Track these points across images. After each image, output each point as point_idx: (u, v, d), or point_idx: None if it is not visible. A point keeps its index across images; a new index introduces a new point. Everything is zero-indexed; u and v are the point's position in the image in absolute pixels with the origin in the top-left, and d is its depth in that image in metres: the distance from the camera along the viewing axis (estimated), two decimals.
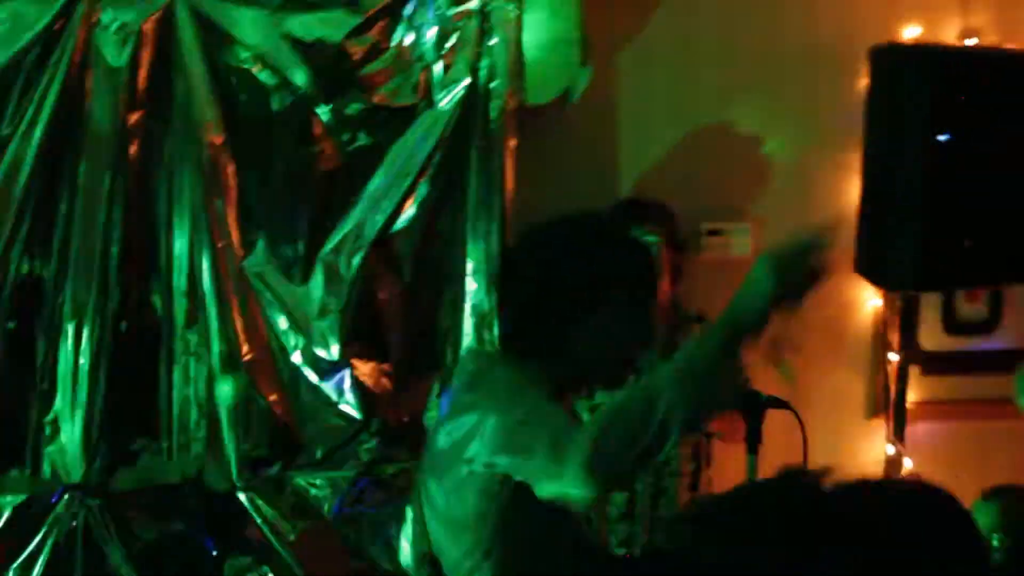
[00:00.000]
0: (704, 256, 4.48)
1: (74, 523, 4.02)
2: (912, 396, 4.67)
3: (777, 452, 2.81)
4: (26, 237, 4.00)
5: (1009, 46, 4.38)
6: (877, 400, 4.72)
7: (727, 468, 4.07)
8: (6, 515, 4.02)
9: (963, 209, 3.76)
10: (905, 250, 3.87)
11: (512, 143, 4.07)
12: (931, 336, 4.74)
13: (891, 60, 4.03)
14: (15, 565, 3.98)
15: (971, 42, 4.43)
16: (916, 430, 4.67)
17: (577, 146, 4.42)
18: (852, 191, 4.23)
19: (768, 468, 2.80)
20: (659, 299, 2.96)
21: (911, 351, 4.62)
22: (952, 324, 4.73)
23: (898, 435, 4.52)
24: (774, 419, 2.93)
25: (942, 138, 3.68)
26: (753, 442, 2.85)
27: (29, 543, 3.99)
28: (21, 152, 3.91)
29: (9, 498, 4.03)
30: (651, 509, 4.17)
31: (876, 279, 4.16)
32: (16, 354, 4.06)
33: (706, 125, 4.52)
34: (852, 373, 4.74)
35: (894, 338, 4.62)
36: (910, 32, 4.43)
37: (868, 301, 4.65)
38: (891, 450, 4.54)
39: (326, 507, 4.21)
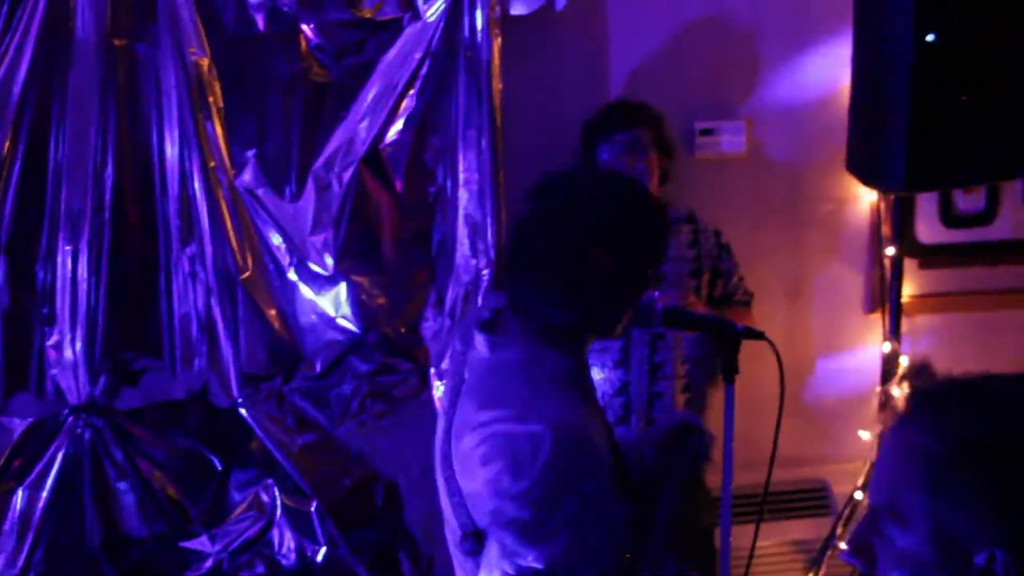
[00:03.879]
0: (697, 155, 4.48)
1: (81, 443, 4.05)
2: (910, 289, 4.67)
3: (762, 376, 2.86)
4: (24, 155, 3.97)
5: None
6: (875, 294, 4.73)
7: None
8: (16, 437, 4.04)
9: (952, 109, 3.71)
10: (895, 150, 3.83)
11: (498, 53, 4.02)
12: (929, 229, 4.73)
13: None
14: (24, 485, 4.03)
15: None
16: (915, 323, 4.68)
17: (566, 50, 4.39)
18: (844, 87, 4.19)
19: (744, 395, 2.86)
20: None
21: (907, 245, 4.61)
22: (949, 216, 4.72)
23: (894, 329, 4.52)
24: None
25: (929, 38, 3.62)
26: (729, 373, 2.83)
27: (37, 464, 4.03)
28: (13, 67, 3.88)
29: (17, 421, 4.04)
30: (647, 411, 4.20)
31: (867, 179, 4.13)
32: (16, 275, 4.04)
33: (696, 23, 4.47)
34: (850, 268, 4.74)
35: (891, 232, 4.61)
36: None
37: (865, 196, 4.63)
38: (888, 345, 4.55)
39: (327, 420, 4.26)
